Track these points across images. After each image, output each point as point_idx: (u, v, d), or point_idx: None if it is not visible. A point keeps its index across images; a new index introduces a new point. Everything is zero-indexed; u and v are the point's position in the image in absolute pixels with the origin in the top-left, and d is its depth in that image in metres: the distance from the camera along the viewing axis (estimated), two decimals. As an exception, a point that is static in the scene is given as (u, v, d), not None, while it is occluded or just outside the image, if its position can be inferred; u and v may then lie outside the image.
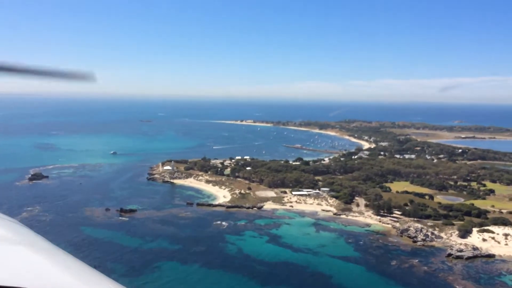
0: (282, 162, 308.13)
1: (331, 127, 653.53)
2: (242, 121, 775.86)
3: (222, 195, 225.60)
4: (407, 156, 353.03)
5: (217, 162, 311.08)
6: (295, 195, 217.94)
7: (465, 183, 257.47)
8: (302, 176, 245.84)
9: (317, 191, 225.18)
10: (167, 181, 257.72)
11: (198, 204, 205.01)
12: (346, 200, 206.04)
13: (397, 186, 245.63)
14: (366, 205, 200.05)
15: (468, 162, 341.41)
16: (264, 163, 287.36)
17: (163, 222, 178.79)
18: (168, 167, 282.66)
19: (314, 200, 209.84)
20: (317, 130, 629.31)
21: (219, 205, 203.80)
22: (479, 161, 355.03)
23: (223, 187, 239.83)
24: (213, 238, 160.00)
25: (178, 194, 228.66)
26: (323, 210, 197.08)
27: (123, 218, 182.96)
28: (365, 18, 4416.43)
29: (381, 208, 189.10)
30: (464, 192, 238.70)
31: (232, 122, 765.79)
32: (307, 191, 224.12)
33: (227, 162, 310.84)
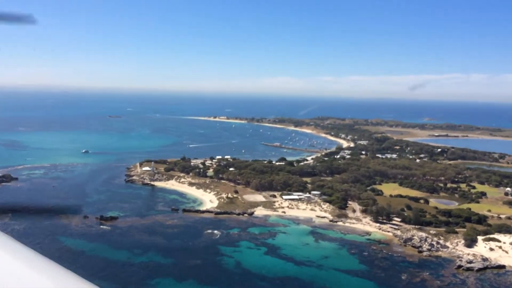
0: (266, 162, 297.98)
1: (306, 124, 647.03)
2: (215, 117, 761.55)
3: (208, 199, 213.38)
4: (388, 156, 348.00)
5: (198, 162, 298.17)
6: (286, 199, 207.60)
7: (454, 185, 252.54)
8: (291, 179, 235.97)
9: (308, 195, 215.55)
10: (147, 184, 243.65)
11: (184, 210, 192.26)
12: (340, 205, 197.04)
13: (387, 189, 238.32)
14: (362, 211, 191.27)
15: (449, 162, 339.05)
16: (248, 164, 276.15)
17: (149, 231, 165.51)
18: (147, 168, 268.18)
19: (307, 205, 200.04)
20: (292, 127, 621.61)
21: (207, 211, 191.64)
22: (459, 160, 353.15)
23: (208, 190, 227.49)
24: (207, 250, 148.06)
25: (160, 199, 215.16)
26: (318, 216, 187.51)
27: (105, 227, 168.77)
28: (335, 14, 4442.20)
29: (380, 214, 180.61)
30: (456, 195, 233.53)
31: (205, 118, 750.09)
32: (298, 195, 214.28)
33: (208, 162, 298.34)
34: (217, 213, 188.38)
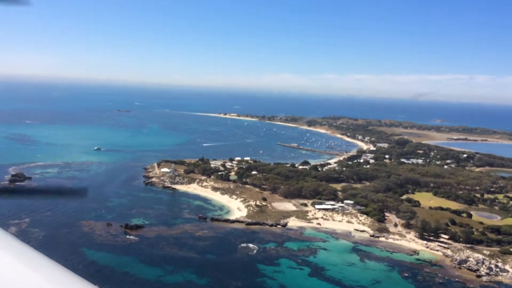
0: (289, 165, 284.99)
1: (319, 124, 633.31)
2: (225, 114, 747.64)
3: (235, 207, 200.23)
4: (414, 161, 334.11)
5: (217, 163, 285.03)
6: (318, 209, 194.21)
7: (491, 196, 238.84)
8: (320, 186, 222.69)
9: (341, 204, 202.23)
10: (168, 187, 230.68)
11: (213, 219, 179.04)
12: (379, 217, 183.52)
13: (421, 199, 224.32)
14: (404, 225, 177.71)
15: (477, 169, 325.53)
16: (272, 168, 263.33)
17: (179, 243, 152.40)
18: (166, 170, 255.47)
19: (342, 216, 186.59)
20: (305, 127, 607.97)
21: (238, 221, 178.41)
22: (487, 167, 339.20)
23: (233, 196, 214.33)
24: (245, 269, 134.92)
25: (185, 205, 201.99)
26: (357, 230, 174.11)
27: (131, 237, 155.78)
28: (338, 12, 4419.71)
29: (425, 230, 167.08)
30: (496, 207, 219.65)
31: (215, 115, 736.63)
32: (331, 205, 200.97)
33: (228, 165, 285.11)
34: (248, 224, 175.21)
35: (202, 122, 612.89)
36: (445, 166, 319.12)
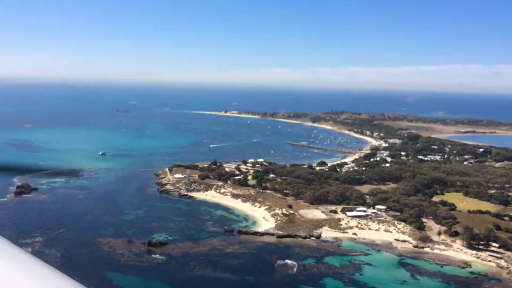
0: (306, 166, 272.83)
1: (323, 119, 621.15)
2: (226, 112, 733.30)
3: (260, 216, 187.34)
4: (431, 158, 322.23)
5: (231, 166, 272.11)
6: (350, 216, 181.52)
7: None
8: (347, 190, 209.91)
9: (373, 210, 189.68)
10: (185, 195, 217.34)
11: (240, 232, 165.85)
12: (418, 225, 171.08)
13: (453, 200, 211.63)
14: (449, 233, 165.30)
15: (497, 164, 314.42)
16: (290, 170, 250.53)
17: (211, 262, 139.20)
18: (179, 175, 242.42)
19: (378, 224, 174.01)
20: (310, 123, 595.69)
21: (267, 233, 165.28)
22: (506, 162, 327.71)
23: (256, 204, 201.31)
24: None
25: (206, 215, 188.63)
26: (397, 240, 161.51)
27: (157, 256, 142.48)
28: (332, 5, 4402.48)
29: (473, 238, 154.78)
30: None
31: (216, 113, 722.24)
32: (362, 211, 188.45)
33: (243, 168, 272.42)
34: (279, 236, 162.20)
35: (204, 121, 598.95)
36: (465, 162, 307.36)
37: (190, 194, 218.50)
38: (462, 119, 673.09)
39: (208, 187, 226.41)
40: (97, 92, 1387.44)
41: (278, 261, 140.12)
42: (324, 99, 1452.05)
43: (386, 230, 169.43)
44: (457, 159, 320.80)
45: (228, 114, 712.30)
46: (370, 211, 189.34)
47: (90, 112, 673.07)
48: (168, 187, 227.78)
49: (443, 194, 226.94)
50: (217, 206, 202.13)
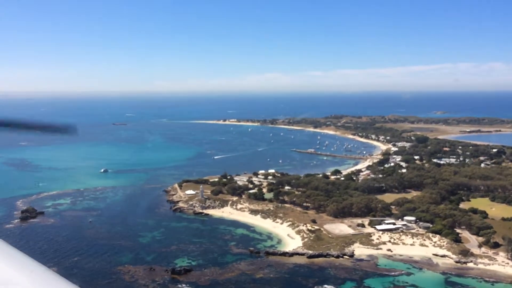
0: (320, 176, 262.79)
1: (325, 124, 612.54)
2: (224, 120, 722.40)
3: (284, 233, 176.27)
4: (447, 161, 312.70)
5: (243, 179, 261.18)
6: (380, 230, 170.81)
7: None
8: (372, 201, 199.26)
9: (403, 222, 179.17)
10: (200, 213, 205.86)
11: (267, 253, 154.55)
12: (454, 237, 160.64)
13: (481, 206, 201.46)
14: (488, 245, 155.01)
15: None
16: (306, 181, 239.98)
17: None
18: (191, 192, 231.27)
19: (412, 238, 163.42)
20: (311, 129, 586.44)
21: (297, 253, 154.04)
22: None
23: (277, 220, 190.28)
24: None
25: (227, 235, 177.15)
26: (436, 255, 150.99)
27: (183, 286, 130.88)
28: (321, 8, 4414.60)
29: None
30: None
31: (214, 122, 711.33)
32: (391, 223, 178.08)
33: (255, 180, 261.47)
34: (310, 256, 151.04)
35: (204, 131, 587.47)
36: (482, 165, 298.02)
37: (205, 211, 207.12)
38: (464, 118, 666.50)
39: (223, 203, 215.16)
40: (89, 105, 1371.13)
41: (316, 287, 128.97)
42: (318, 103, 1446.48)
43: (421, 244, 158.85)
44: (473, 161, 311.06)
45: (227, 122, 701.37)
46: (399, 223, 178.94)
47: (86, 126, 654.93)
48: (181, 204, 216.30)
49: (469, 201, 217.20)
50: (236, 224, 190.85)
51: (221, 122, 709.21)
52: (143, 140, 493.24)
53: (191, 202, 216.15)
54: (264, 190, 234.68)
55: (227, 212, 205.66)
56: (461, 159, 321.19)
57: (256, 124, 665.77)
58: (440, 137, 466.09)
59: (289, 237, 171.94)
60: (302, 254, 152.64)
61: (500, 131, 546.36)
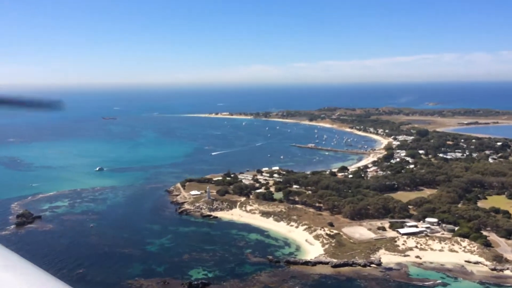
0: (328, 173, 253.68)
1: (319, 117, 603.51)
2: (217, 114, 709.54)
3: (302, 238, 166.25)
4: (452, 155, 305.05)
5: (247, 178, 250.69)
6: (404, 234, 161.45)
7: None
8: (389, 202, 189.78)
9: (427, 225, 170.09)
10: (208, 215, 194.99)
11: (288, 262, 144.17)
12: (484, 241, 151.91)
13: (499, 205, 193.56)
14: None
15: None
16: (315, 180, 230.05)
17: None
18: (196, 192, 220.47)
19: (440, 243, 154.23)
20: (307, 122, 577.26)
21: (320, 262, 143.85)
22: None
23: (292, 223, 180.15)
24: None
25: (241, 241, 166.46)
26: (468, 262, 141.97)
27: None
28: (306, 0, 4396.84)
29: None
30: None
31: (206, 115, 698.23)
32: (413, 226, 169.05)
33: (260, 178, 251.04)
34: (335, 266, 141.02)
35: (198, 125, 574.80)
36: (490, 159, 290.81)
37: (213, 214, 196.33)
38: (459, 110, 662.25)
39: (231, 205, 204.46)
40: (75, 98, 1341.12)
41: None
42: (308, 94, 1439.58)
43: (451, 250, 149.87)
44: (479, 155, 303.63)
45: (219, 116, 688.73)
46: (422, 225, 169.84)
47: (75, 121, 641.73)
48: (187, 206, 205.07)
49: (486, 199, 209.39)
50: (248, 228, 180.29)
51: (213, 115, 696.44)
52: (136, 136, 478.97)
53: (197, 204, 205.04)
54: (272, 189, 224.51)
55: (236, 215, 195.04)
56: (466, 153, 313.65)
57: (249, 117, 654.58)
58: (439, 129, 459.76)
59: (307, 242, 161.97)
60: (326, 263, 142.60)
61: (497, 123, 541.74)
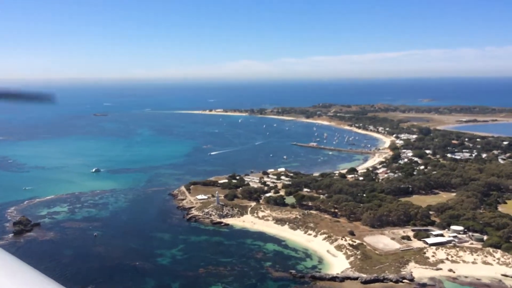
0: (337, 175, 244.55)
1: (316, 114, 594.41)
2: (210, 110, 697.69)
3: (323, 249, 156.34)
4: (460, 155, 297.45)
5: (254, 180, 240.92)
6: (432, 245, 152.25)
7: None
8: (410, 208, 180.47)
9: (453, 233, 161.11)
10: (219, 223, 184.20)
11: (314, 278, 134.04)
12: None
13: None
14: None
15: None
16: (327, 183, 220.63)
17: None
18: (203, 196, 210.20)
19: (472, 254, 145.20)
20: (304, 119, 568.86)
21: (348, 277, 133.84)
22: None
23: (310, 231, 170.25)
24: None
25: (258, 252, 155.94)
26: (505, 275, 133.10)
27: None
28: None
29: None
30: None
31: (200, 112, 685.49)
32: (439, 235, 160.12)
33: (267, 180, 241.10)
34: (365, 282, 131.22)
35: (193, 122, 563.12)
36: (500, 160, 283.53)
37: (224, 220, 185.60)
38: (455, 107, 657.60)
39: (241, 210, 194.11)
40: (64, 94, 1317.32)
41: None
42: (298, 90, 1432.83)
43: (484, 262, 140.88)
44: (487, 155, 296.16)
45: (214, 112, 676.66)
46: (448, 234, 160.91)
47: (66, 118, 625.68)
48: (195, 212, 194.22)
49: (506, 203, 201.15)
50: (264, 237, 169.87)
51: (207, 112, 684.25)
52: (131, 133, 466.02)
53: (206, 210, 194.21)
54: (281, 192, 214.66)
55: (249, 222, 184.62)
56: (475, 153, 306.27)
57: (244, 114, 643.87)
58: (439, 127, 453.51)
59: (330, 254, 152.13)
60: (355, 279, 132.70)
61: (496, 120, 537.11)
